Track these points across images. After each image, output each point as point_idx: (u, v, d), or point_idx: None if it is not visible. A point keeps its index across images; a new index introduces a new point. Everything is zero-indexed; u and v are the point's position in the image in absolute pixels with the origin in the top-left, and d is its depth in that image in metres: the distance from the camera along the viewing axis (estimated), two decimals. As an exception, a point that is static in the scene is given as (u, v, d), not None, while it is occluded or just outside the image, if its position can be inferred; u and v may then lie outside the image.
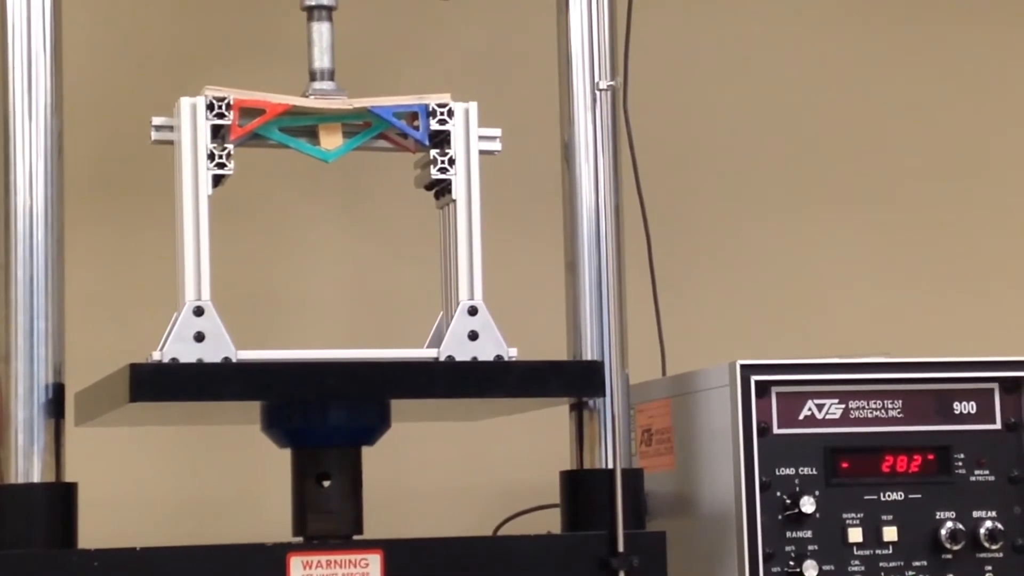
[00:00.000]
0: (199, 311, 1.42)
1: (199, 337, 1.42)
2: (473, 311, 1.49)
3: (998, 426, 1.62)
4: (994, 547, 1.59)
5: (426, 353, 1.49)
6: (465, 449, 2.03)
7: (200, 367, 1.40)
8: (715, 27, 2.22)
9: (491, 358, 1.48)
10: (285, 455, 1.51)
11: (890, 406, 1.60)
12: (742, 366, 1.56)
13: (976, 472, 1.61)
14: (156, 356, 1.40)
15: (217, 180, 1.46)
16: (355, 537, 1.49)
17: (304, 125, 1.51)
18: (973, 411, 1.61)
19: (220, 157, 1.46)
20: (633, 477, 1.55)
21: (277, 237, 2.04)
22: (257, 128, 1.49)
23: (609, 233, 1.59)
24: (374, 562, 1.44)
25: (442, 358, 1.47)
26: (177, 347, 1.41)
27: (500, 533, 1.86)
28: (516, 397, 1.49)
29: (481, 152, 1.53)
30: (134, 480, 1.94)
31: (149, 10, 2.02)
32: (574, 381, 1.50)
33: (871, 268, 2.23)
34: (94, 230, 1.94)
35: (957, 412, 1.61)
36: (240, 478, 1.96)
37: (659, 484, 1.67)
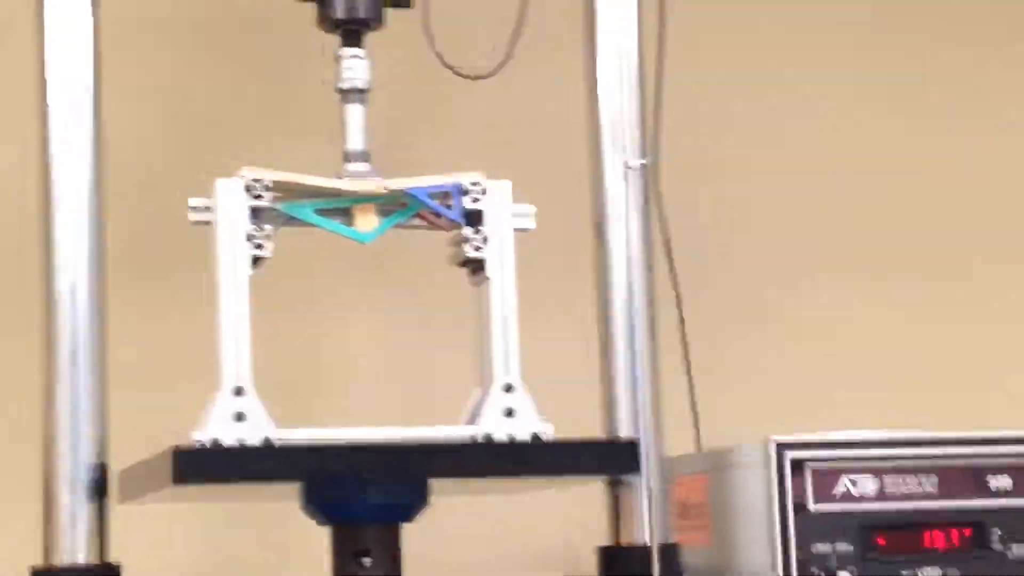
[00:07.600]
0: (239, 391, 1.44)
1: (239, 417, 1.43)
2: (509, 388, 1.50)
3: (1034, 501, 1.62)
4: (1033, 622, 1.59)
5: (464, 431, 1.50)
6: (500, 521, 2.03)
7: (242, 450, 1.41)
8: (747, 98, 2.23)
9: (528, 436, 1.49)
10: (326, 531, 1.52)
11: (925, 481, 1.60)
12: (777, 444, 1.57)
13: (1013, 547, 1.60)
14: (198, 437, 1.42)
15: (255, 261, 1.48)
16: (396, 613, 1.50)
17: (338, 207, 1.53)
18: (1009, 487, 1.62)
19: (258, 238, 1.48)
20: (670, 553, 1.56)
21: (314, 315, 2.05)
22: (292, 210, 1.51)
23: (642, 310, 1.60)
24: (414, 639, 1.45)
25: (479, 437, 1.48)
26: (218, 428, 1.42)
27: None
28: (553, 476, 1.50)
29: (515, 230, 1.54)
30: (176, 557, 1.95)
31: (185, 90, 2.06)
32: (609, 460, 1.51)
33: (907, 339, 2.23)
34: (136, 306, 1.96)
35: (992, 487, 1.61)
36: (281, 554, 1.97)
37: (696, 558, 1.67)
